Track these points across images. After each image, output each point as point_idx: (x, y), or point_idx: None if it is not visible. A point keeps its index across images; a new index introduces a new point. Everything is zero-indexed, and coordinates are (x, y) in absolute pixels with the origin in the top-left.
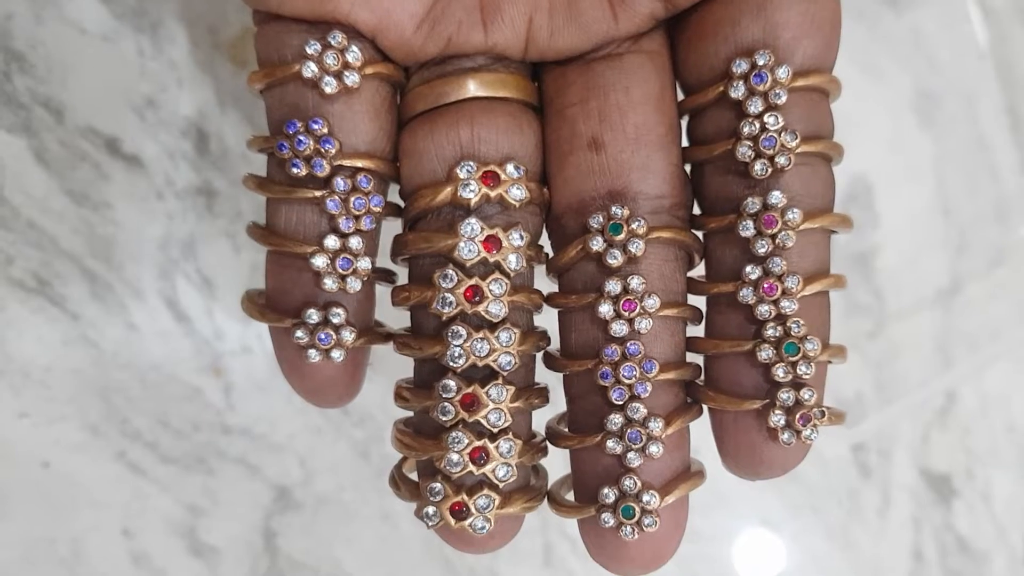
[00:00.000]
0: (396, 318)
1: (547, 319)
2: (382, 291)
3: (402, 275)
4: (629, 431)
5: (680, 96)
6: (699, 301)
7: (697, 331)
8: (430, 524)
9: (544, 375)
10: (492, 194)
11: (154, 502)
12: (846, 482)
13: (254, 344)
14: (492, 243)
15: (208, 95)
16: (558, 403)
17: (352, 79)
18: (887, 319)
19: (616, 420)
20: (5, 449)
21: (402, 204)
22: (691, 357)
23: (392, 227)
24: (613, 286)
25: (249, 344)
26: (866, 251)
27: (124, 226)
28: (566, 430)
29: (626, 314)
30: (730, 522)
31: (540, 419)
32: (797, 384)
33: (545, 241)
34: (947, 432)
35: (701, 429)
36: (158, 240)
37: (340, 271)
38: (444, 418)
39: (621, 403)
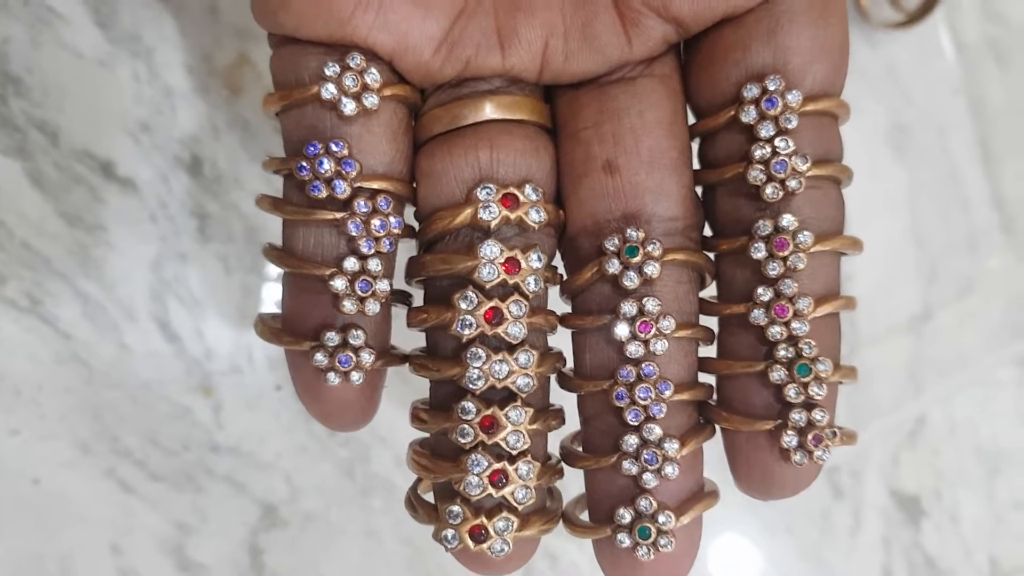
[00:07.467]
0: (401, 339)
1: (556, 339)
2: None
3: (416, 296)
4: (645, 452)
5: (691, 119)
6: (710, 321)
7: (708, 351)
8: (449, 547)
9: (556, 395)
10: (511, 216)
11: (143, 519)
12: (819, 503)
13: (243, 364)
14: (511, 264)
15: (202, 120)
16: (571, 423)
17: (371, 101)
18: (860, 345)
19: (632, 441)
20: None
21: (416, 225)
22: (703, 377)
23: (404, 248)
24: (629, 308)
25: (239, 364)
26: (841, 278)
27: (117, 248)
28: (580, 450)
29: (642, 335)
30: (705, 540)
31: (552, 439)
32: (809, 405)
33: (557, 261)
34: (917, 454)
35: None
36: (150, 262)
37: (359, 293)
38: (463, 440)
39: (636, 424)
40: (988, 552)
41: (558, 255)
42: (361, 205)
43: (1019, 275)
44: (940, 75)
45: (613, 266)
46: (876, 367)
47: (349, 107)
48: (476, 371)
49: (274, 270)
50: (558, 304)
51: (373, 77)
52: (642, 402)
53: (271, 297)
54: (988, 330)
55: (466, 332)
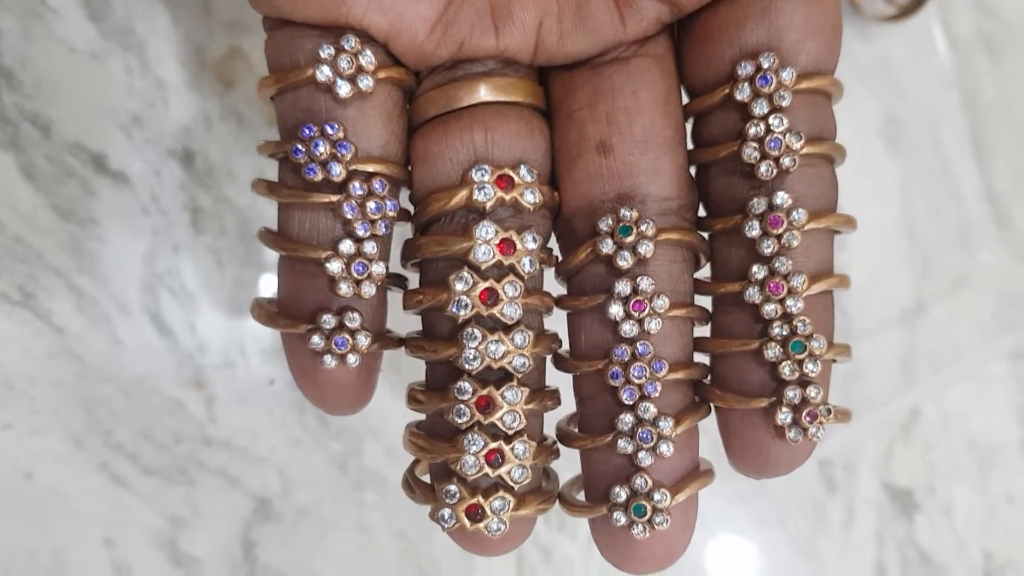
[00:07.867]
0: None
1: (553, 321)
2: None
3: (412, 281)
4: (640, 431)
5: (685, 99)
6: (705, 301)
7: (703, 331)
8: (446, 527)
9: (552, 377)
10: (507, 197)
11: (136, 513)
12: (812, 496)
13: (236, 358)
14: (507, 246)
15: (194, 114)
16: (567, 405)
17: (366, 83)
18: (853, 338)
19: (627, 420)
20: None
21: (411, 209)
22: (698, 357)
23: (399, 233)
24: (623, 287)
25: (231, 358)
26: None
27: (109, 241)
28: (576, 430)
29: (636, 315)
30: (699, 533)
31: (548, 421)
32: (803, 382)
33: (553, 244)
34: (910, 448)
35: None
36: (143, 255)
37: (355, 276)
38: (459, 420)
39: (631, 403)
40: (981, 545)
41: (553, 237)
42: (356, 188)
43: (1011, 269)
44: (933, 69)
45: (607, 246)
46: (869, 360)
47: (344, 89)
48: (472, 351)
49: (267, 263)
50: (554, 287)
51: (368, 59)
52: (637, 381)
53: (264, 290)
54: (980, 324)
55: (462, 313)
